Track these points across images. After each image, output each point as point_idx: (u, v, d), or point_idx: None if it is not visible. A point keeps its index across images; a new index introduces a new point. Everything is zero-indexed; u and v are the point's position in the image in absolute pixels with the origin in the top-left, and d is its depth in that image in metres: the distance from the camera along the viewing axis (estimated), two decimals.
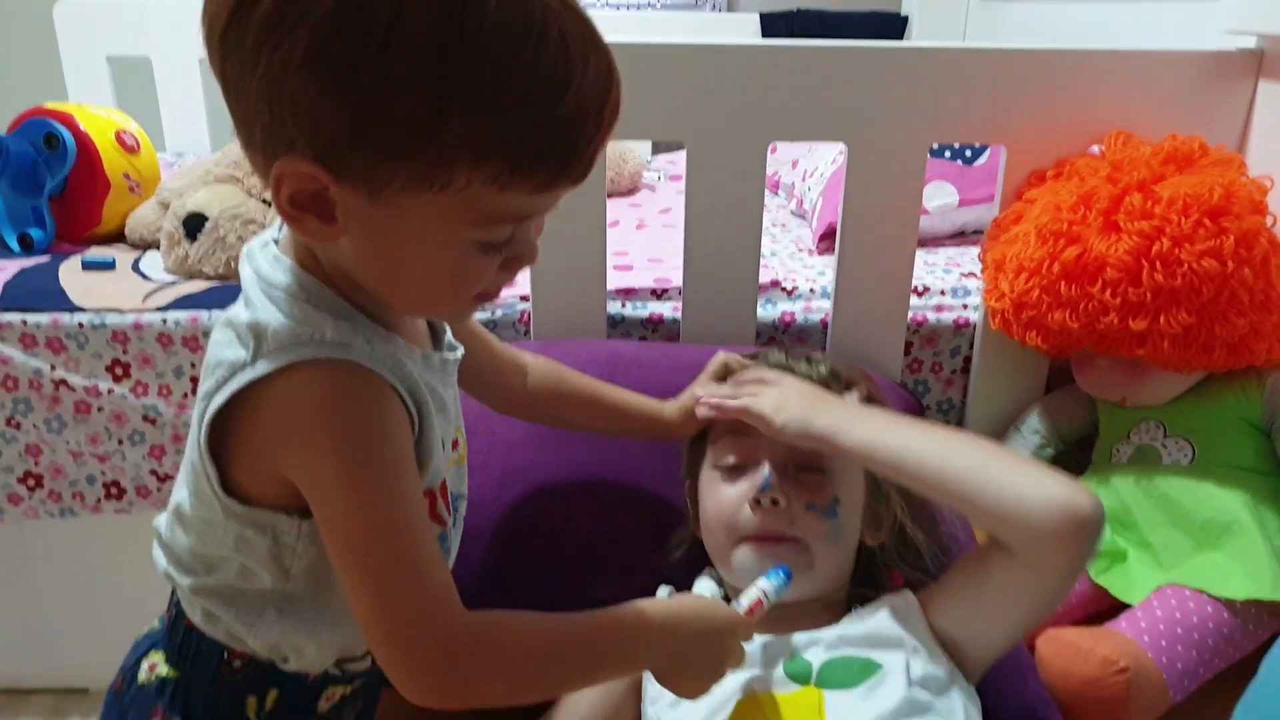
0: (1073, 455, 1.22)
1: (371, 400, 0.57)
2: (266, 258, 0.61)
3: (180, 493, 0.64)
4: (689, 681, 0.65)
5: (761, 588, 0.72)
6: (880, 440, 0.73)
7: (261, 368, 0.55)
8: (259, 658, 0.64)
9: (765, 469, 0.77)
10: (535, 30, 0.49)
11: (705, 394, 0.84)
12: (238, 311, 0.59)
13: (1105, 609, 1.00)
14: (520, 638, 0.58)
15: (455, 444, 0.71)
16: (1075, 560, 0.67)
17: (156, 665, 0.67)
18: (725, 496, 0.79)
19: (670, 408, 0.88)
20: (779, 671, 0.72)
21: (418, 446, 0.61)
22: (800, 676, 0.71)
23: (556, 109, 0.51)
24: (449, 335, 0.72)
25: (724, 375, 0.88)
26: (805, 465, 0.78)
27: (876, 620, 0.74)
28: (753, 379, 0.83)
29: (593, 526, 0.92)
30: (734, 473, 0.79)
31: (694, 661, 0.64)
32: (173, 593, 0.68)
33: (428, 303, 0.61)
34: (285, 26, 0.48)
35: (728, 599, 0.82)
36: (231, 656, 0.65)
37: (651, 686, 0.75)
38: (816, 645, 0.73)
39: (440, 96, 0.49)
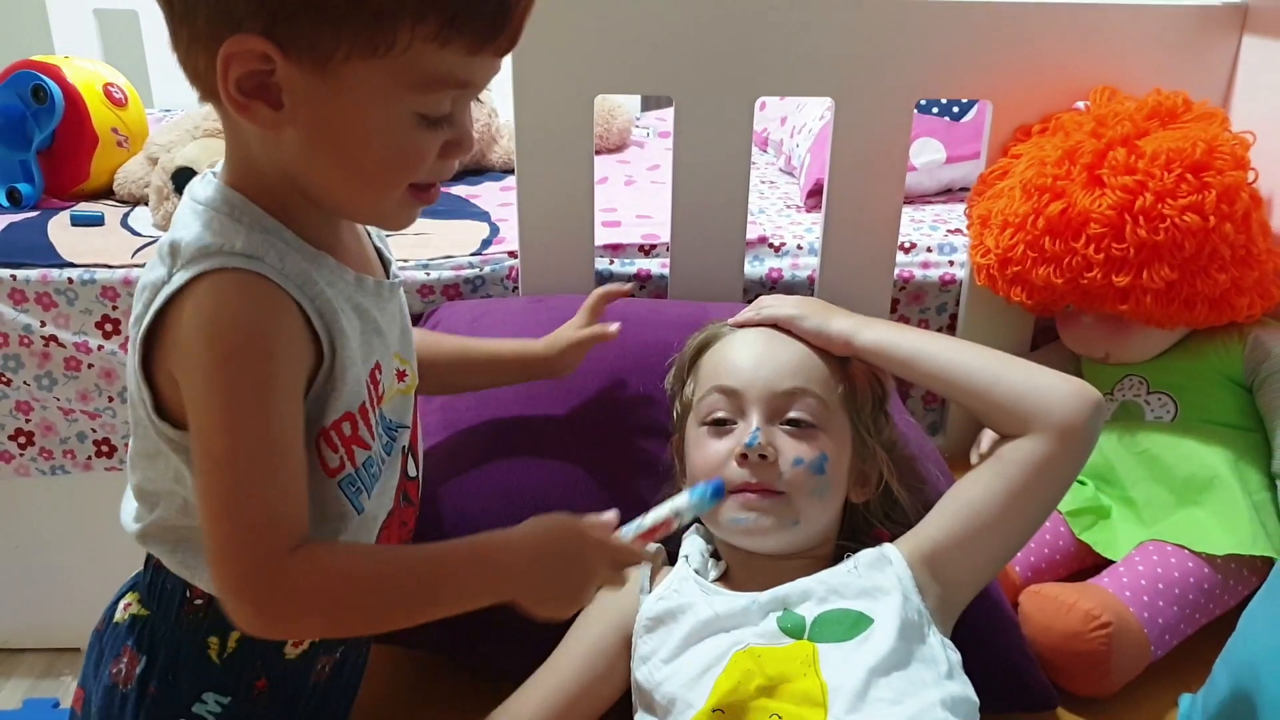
0: None
1: (261, 314, 0.57)
2: (199, 181, 0.62)
3: (131, 432, 0.65)
4: (546, 606, 0.64)
5: (676, 507, 0.71)
6: (894, 339, 0.82)
7: (175, 282, 0.56)
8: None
9: (754, 423, 0.78)
10: None
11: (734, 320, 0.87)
12: (163, 236, 0.60)
13: (1089, 567, 1.01)
14: (344, 572, 0.58)
15: (403, 375, 0.71)
16: (1090, 442, 0.77)
17: (130, 605, 0.68)
18: (713, 451, 0.79)
19: (541, 344, 0.89)
20: (771, 625, 0.73)
21: (331, 365, 0.61)
22: (794, 631, 0.73)
23: None
24: (394, 266, 0.73)
25: (602, 307, 0.91)
26: (793, 420, 0.79)
27: (865, 571, 0.75)
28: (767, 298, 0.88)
29: (567, 487, 0.91)
30: (721, 427, 0.80)
31: (550, 587, 0.64)
32: None
33: (369, 192, 0.61)
34: None
35: (716, 555, 0.83)
36: (193, 595, 0.65)
37: (642, 645, 0.76)
38: (809, 600, 0.74)
39: None
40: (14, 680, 1.48)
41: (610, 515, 0.68)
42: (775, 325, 0.85)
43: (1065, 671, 0.88)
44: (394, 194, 0.61)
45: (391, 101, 0.56)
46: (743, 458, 0.76)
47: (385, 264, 0.72)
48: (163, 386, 0.60)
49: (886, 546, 0.79)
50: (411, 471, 0.75)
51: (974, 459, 1.22)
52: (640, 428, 0.95)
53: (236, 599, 0.56)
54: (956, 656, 0.74)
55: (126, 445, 1.32)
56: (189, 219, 0.59)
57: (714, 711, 0.68)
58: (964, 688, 0.72)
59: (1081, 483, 1.07)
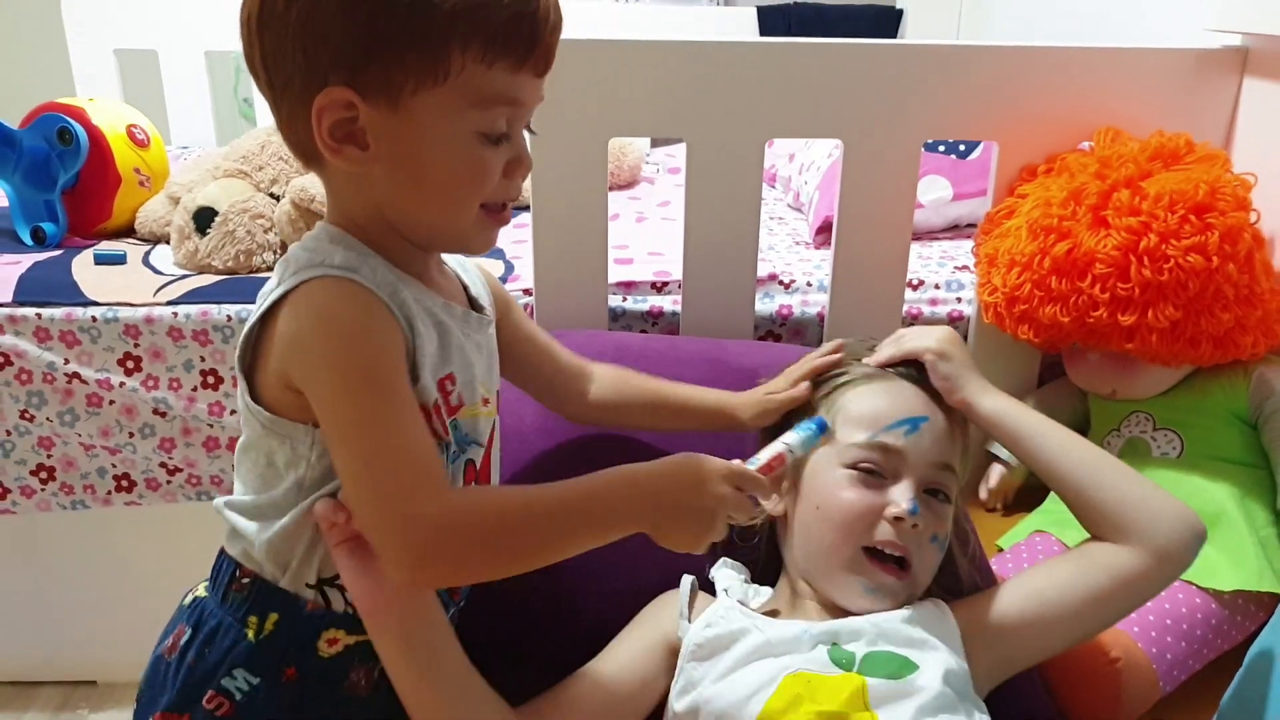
0: None
1: (362, 308, 0.64)
2: (306, 234, 0.71)
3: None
4: (678, 537, 0.67)
5: (787, 442, 0.75)
6: (1015, 415, 0.83)
7: (281, 289, 0.65)
8: (263, 575, 0.69)
9: (910, 491, 0.77)
10: None
11: (880, 358, 0.87)
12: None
13: None
14: (495, 514, 0.63)
15: (486, 401, 0.76)
16: (1183, 569, 0.78)
17: (197, 589, 0.74)
18: (861, 500, 0.77)
19: (742, 402, 0.90)
20: (822, 655, 0.74)
21: (413, 360, 0.66)
22: (843, 663, 0.74)
23: None
24: (487, 308, 0.79)
25: (810, 375, 0.88)
26: (934, 491, 0.79)
27: (914, 625, 0.76)
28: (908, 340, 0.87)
29: None
30: (871, 477, 0.78)
31: (679, 519, 0.67)
32: None
33: (447, 212, 0.68)
34: None
35: (758, 581, 0.84)
36: (241, 574, 0.70)
37: (690, 671, 0.76)
38: (859, 639, 0.75)
39: None
40: (31, 713, 1.48)
41: (765, 456, 0.75)
42: (911, 359, 0.85)
43: (1077, 706, 0.89)
44: (469, 212, 0.68)
45: (455, 123, 0.64)
46: (898, 520, 0.76)
47: (474, 303, 0.78)
48: (259, 378, 0.67)
49: (944, 608, 0.79)
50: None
51: (982, 494, 1.23)
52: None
53: (398, 549, 0.60)
54: (987, 718, 0.75)
55: (146, 481, 1.35)
56: (295, 251, 0.68)
57: None
58: None
59: None
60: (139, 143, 1.53)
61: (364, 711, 0.72)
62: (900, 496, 0.77)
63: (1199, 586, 0.95)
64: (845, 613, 0.78)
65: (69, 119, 1.44)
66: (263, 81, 0.66)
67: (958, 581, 0.84)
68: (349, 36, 0.61)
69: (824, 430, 0.78)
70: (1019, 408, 0.83)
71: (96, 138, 1.46)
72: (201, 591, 0.73)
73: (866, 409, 0.81)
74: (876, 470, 0.78)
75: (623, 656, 0.80)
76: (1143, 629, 0.93)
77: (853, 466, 0.79)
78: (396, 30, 0.61)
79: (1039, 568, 0.82)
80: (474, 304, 0.78)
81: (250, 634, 0.69)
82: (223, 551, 0.72)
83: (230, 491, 0.73)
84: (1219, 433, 1.07)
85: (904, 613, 0.77)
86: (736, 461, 0.71)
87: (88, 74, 2.14)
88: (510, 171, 0.68)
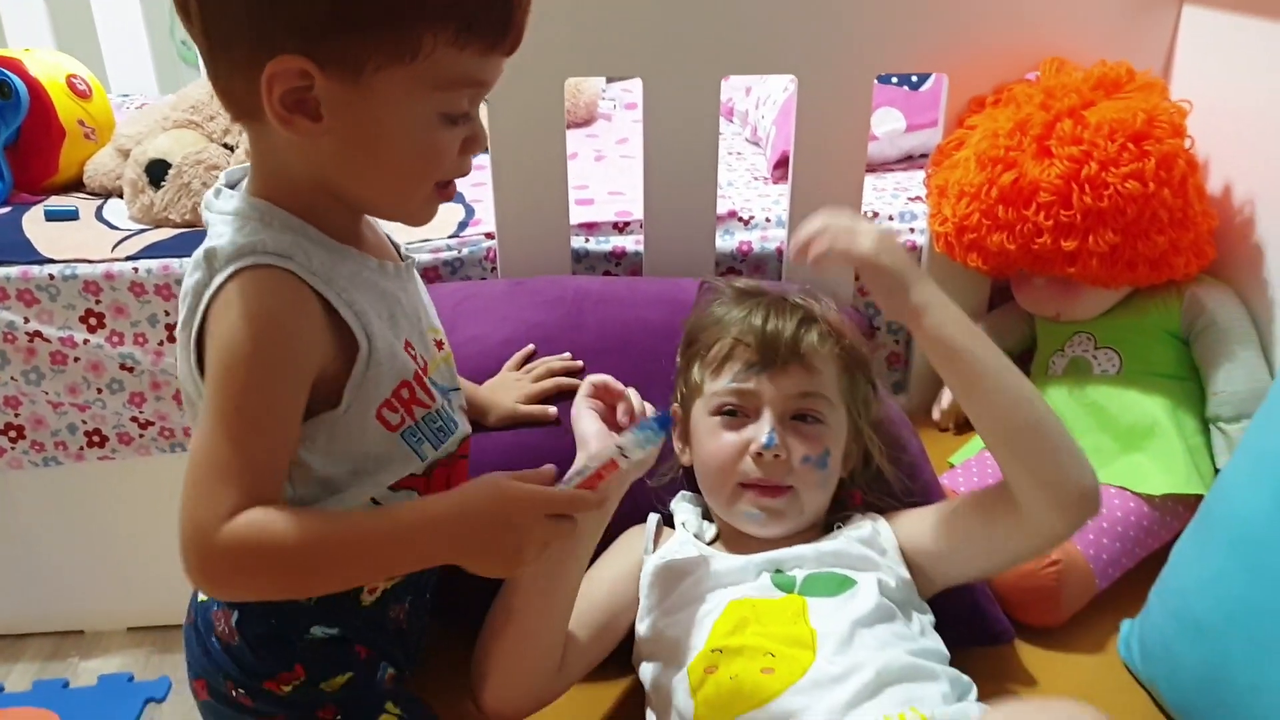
0: None
1: (277, 306, 0.61)
2: (223, 199, 0.67)
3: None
4: (484, 567, 0.66)
5: (620, 445, 0.71)
6: (966, 347, 0.78)
7: (215, 284, 0.62)
8: None
9: (768, 424, 0.83)
10: None
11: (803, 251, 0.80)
12: (200, 246, 0.65)
13: None
14: (272, 540, 0.60)
15: (440, 344, 0.77)
16: (1070, 533, 0.79)
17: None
18: (726, 444, 0.84)
19: (493, 406, 0.94)
20: (765, 581, 0.80)
21: (369, 349, 0.65)
22: (785, 586, 0.80)
23: None
24: (404, 249, 0.78)
25: (524, 362, 0.99)
26: (801, 416, 0.85)
27: (854, 545, 0.82)
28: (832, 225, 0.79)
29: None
30: (734, 420, 0.84)
31: (483, 554, 0.65)
32: None
33: (400, 190, 0.66)
34: None
35: (708, 517, 0.90)
36: None
37: (645, 600, 0.83)
38: (801, 565, 0.81)
39: None
40: (22, 664, 1.51)
41: (547, 469, 0.70)
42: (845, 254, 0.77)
43: (1019, 605, 0.96)
44: (422, 191, 0.67)
45: (418, 103, 0.62)
46: (758, 456, 0.82)
47: (397, 248, 0.78)
48: None
49: (881, 524, 0.86)
50: (467, 428, 0.79)
51: (935, 415, 1.29)
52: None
53: (182, 553, 0.60)
54: (930, 617, 0.82)
55: (118, 435, 1.36)
56: (221, 228, 0.65)
57: (713, 651, 0.75)
58: (936, 643, 0.79)
59: None
60: (80, 93, 1.49)
61: (409, 637, 0.78)
62: (758, 432, 0.83)
63: (1133, 491, 1.02)
64: (786, 543, 0.83)
65: (6, 71, 1.40)
66: (196, 30, 0.61)
67: (890, 491, 0.90)
68: (311, 6, 0.58)
69: (666, 426, 0.75)
70: (969, 336, 0.79)
71: (36, 90, 1.43)
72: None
73: (722, 354, 0.86)
74: (737, 411, 0.84)
75: (602, 585, 0.85)
76: (1081, 532, 0.97)
77: (717, 412, 0.85)
78: (366, 5, 0.58)
79: (956, 506, 0.85)
80: (395, 246, 0.77)
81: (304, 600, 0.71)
82: None
83: None
84: (1154, 350, 1.13)
85: (840, 536, 0.84)
86: (550, 477, 0.69)
87: (18, 24, 2.06)
88: (465, 149, 0.66)
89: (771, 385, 0.84)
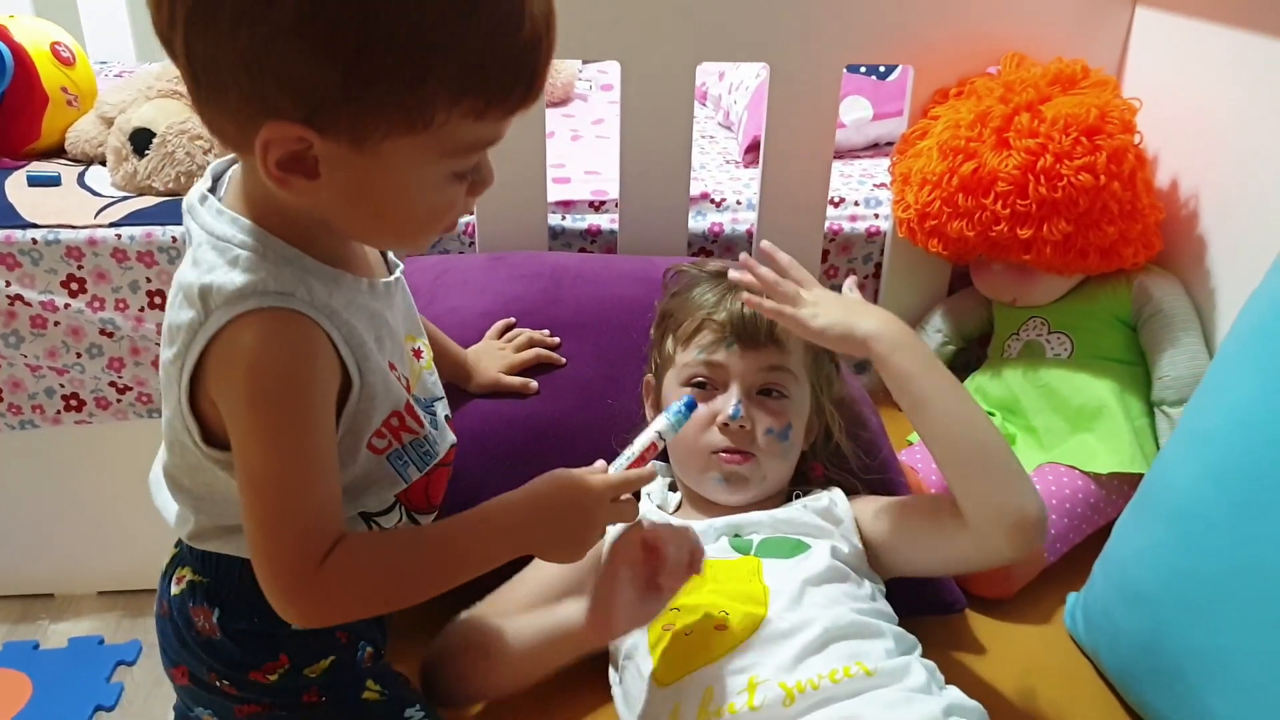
0: (972, 351, 1.36)
1: (296, 349, 0.60)
2: (210, 213, 0.63)
3: (166, 449, 0.69)
4: (557, 553, 0.71)
5: (658, 430, 0.78)
6: (916, 374, 0.81)
7: (212, 325, 0.60)
8: None
9: (735, 396, 0.88)
10: None
11: (751, 298, 0.86)
12: (186, 273, 0.62)
13: None
14: (372, 566, 0.64)
15: (419, 354, 0.76)
16: (1012, 558, 0.81)
17: (185, 576, 0.73)
18: (696, 415, 0.85)
19: (477, 371, 0.97)
20: (724, 544, 0.85)
21: (362, 383, 0.65)
22: (742, 549, 0.85)
23: (518, 38, 0.56)
24: (391, 255, 0.76)
25: (504, 331, 1.01)
26: (766, 391, 0.90)
27: (810, 515, 0.87)
28: (790, 285, 0.87)
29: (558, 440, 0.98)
30: (703, 392, 0.89)
31: (556, 538, 0.70)
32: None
33: (400, 237, 0.66)
34: None
35: (673, 487, 0.95)
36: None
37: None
38: (758, 529, 0.86)
39: (420, 45, 0.53)
40: None
41: (598, 464, 0.74)
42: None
43: (971, 578, 1.00)
44: (426, 238, 0.65)
45: (427, 167, 0.59)
46: (724, 426, 0.87)
47: (389, 262, 0.76)
48: (205, 413, 0.64)
49: (838, 495, 0.90)
50: (452, 438, 0.80)
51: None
52: (605, 375, 1.02)
53: (285, 603, 0.62)
54: (881, 586, 0.87)
55: (96, 400, 1.37)
56: (213, 258, 0.61)
57: (671, 610, 0.79)
58: (884, 606, 0.84)
59: (990, 413, 1.20)
60: (64, 61, 1.50)
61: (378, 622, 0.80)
62: (725, 404, 0.88)
63: (1080, 470, 1.07)
64: (746, 510, 0.88)
65: None
66: (183, 69, 0.56)
67: (849, 466, 0.95)
68: (315, 81, 0.53)
69: (692, 408, 0.80)
70: (921, 364, 0.82)
71: (20, 56, 1.43)
72: (195, 577, 0.72)
73: (694, 329, 0.91)
74: (707, 383, 0.89)
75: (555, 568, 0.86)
76: None
77: (687, 383, 0.90)
78: (377, 81, 0.53)
79: (912, 506, 0.89)
80: (387, 260, 0.75)
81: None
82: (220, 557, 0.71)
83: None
84: (1104, 335, 1.18)
85: (797, 505, 0.89)
86: (603, 467, 0.74)
87: None
88: (473, 191, 0.64)
89: (740, 360, 0.89)
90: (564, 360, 1.01)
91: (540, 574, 0.87)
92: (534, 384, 0.99)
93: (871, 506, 0.90)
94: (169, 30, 0.55)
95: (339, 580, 0.62)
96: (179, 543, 0.75)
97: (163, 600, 0.74)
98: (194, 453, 0.65)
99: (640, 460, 0.76)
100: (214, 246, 0.61)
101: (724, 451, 0.88)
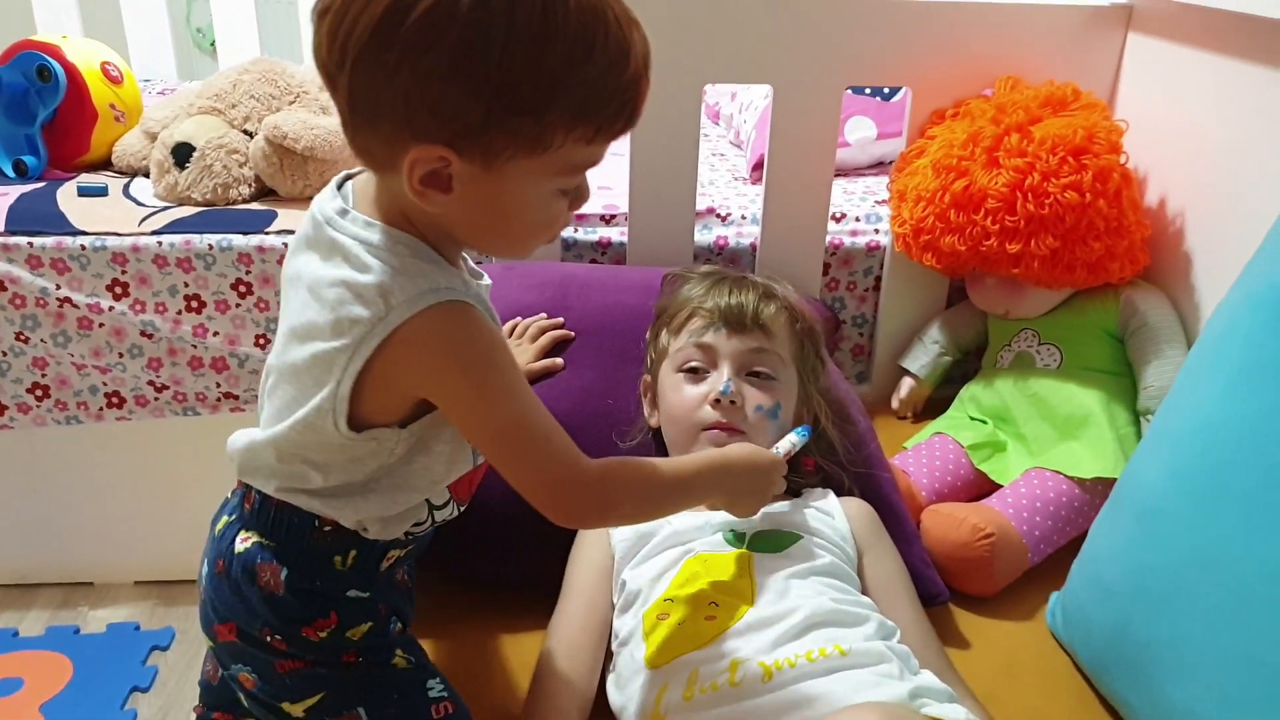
0: (970, 362, 1.41)
1: (478, 326, 0.70)
2: (358, 224, 0.71)
3: (288, 427, 0.74)
4: (743, 505, 0.85)
5: (793, 440, 0.91)
6: None
7: (394, 319, 0.67)
8: (344, 525, 0.76)
9: (726, 374, 0.95)
10: (601, 16, 0.63)
11: None
12: (348, 274, 0.69)
13: (986, 492, 1.16)
14: (633, 477, 0.76)
15: None
16: None
17: (250, 538, 0.77)
18: (689, 394, 0.95)
19: None
20: (719, 538, 0.91)
21: None
22: (735, 542, 0.90)
23: (624, 75, 0.65)
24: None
25: (550, 347, 1.08)
26: (755, 374, 0.96)
27: (802, 512, 0.93)
28: None
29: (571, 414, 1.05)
30: (696, 375, 0.96)
31: (746, 491, 0.84)
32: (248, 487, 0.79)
33: (513, 245, 0.74)
34: (428, 41, 0.60)
35: None
36: (322, 524, 0.76)
37: (617, 554, 0.93)
38: (752, 522, 0.91)
39: (548, 83, 0.63)
40: (35, 610, 1.61)
41: (785, 448, 0.90)
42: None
43: (957, 575, 1.05)
44: (533, 246, 0.74)
45: (541, 184, 0.68)
46: (716, 402, 0.93)
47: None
48: (362, 396, 0.70)
49: (831, 496, 0.96)
50: None
51: (894, 404, 1.39)
52: (609, 377, 1.08)
53: (569, 512, 0.74)
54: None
55: (135, 398, 1.45)
56: (366, 258, 0.69)
57: (665, 601, 0.85)
58: (868, 598, 0.89)
59: (982, 421, 1.24)
60: (113, 79, 1.59)
61: (410, 595, 0.87)
62: (716, 382, 0.95)
63: (1065, 475, 1.11)
64: None
65: (47, 57, 1.50)
66: (341, 100, 0.65)
67: (836, 455, 1.00)
68: (460, 113, 0.62)
69: (812, 433, 0.94)
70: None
71: (73, 74, 1.52)
72: (261, 539, 0.77)
73: (686, 320, 0.98)
74: (699, 366, 0.96)
75: (583, 594, 0.93)
76: (1016, 510, 1.08)
77: (680, 368, 0.97)
78: (511, 114, 0.63)
79: (891, 588, 0.94)
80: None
81: (338, 566, 0.77)
82: (282, 505, 0.76)
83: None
84: (1092, 346, 1.22)
85: (791, 501, 0.94)
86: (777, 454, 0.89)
87: (48, 8, 2.16)
88: (572, 205, 0.72)
89: (729, 342, 0.96)
90: (573, 334, 1.08)
91: (576, 604, 0.92)
92: (559, 361, 1.06)
93: (861, 529, 0.96)
94: (336, 70, 0.64)
95: (602, 482, 0.74)
96: (234, 510, 0.81)
97: (220, 559, 0.79)
98: (331, 433, 0.71)
99: (784, 461, 0.88)
100: (370, 251, 0.69)
101: (715, 427, 0.93)
